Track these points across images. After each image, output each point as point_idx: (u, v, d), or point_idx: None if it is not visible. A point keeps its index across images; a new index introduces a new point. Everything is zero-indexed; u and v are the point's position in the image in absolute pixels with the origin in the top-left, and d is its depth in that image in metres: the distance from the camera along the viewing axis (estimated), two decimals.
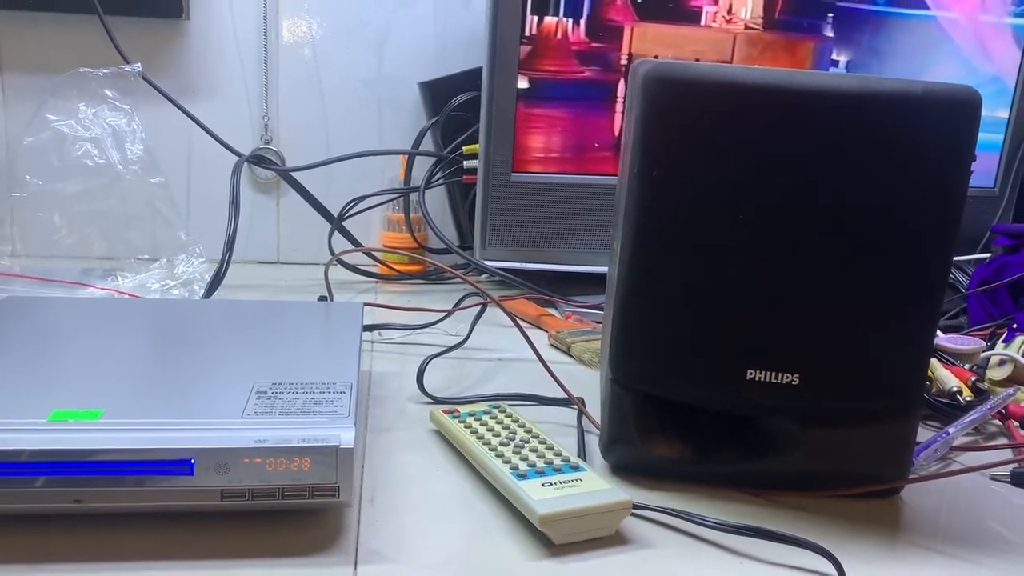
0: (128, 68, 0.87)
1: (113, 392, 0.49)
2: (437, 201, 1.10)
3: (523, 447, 0.54)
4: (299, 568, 0.44)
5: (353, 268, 1.02)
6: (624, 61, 0.90)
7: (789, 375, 0.52)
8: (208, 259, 0.91)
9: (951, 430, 0.61)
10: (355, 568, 0.44)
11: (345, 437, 0.46)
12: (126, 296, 0.81)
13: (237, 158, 0.99)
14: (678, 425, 0.55)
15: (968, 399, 0.68)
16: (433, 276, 1.07)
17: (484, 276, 1.06)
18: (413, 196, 1.06)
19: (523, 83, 0.89)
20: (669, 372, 0.53)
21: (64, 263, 0.87)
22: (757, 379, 0.52)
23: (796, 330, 0.51)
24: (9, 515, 0.46)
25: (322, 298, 0.89)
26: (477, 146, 0.94)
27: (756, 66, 0.51)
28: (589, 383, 0.73)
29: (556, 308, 0.93)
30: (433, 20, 1.06)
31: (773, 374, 0.52)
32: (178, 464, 0.44)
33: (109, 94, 0.85)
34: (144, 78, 0.89)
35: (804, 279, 0.50)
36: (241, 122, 1.05)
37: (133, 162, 0.84)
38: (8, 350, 0.55)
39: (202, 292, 0.85)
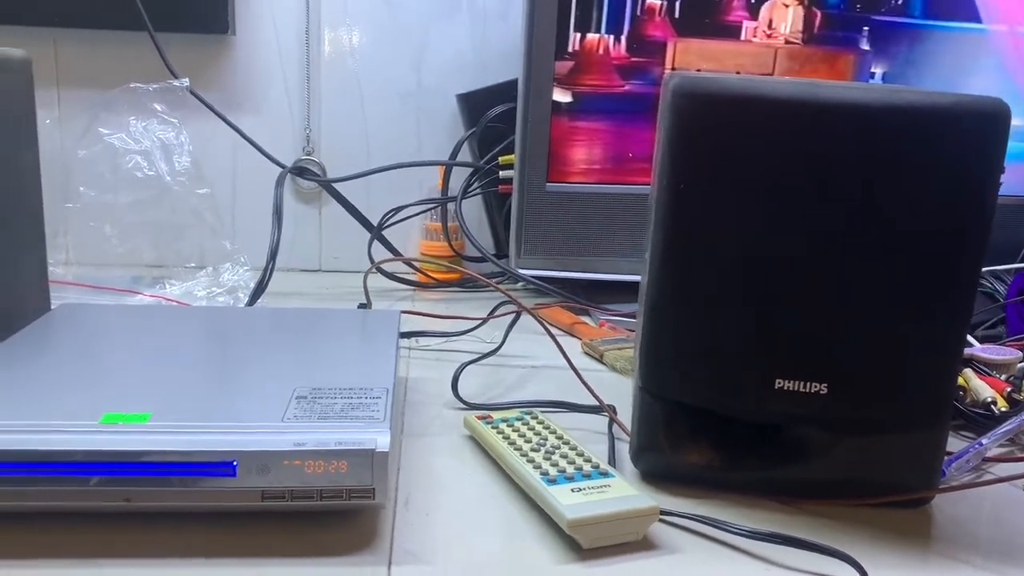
0: (176, 83, 0.90)
1: (161, 396, 0.52)
2: (474, 211, 1.11)
3: (554, 453, 0.55)
4: (335, 568, 0.46)
5: (392, 276, 1.05)
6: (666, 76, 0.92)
7: (817, 384, 0.52)
8: (252, 267, 0.93)
9: (984, 440, 0.61)
10: (389, 568, 0.46)
11: (381, 441, 0.48)
12: (174, 303, 0.84)
13: (280, 169, 1.02)
14: (707, 433, 0.56)
15: (1003, 410, 0.68)
16: (469, 284, 1.09)
17: (520, 284, 1.08)
18: (450, 206, 1.08)
19: (566, 97, 0.91)
20: (697, 381, 0.53)
21: (114, 271, 0.90)
22: (785, 388, 0.52)
23: (824, 339, 0.52)
24: (63, 512, 0.48)
25: (362, 305, 0.91)
26: (513, 156, 0.96)
27: (785, 77, 0.52)
28: (621, 391, 0.74)
29: (590, 316, 0.94)
30: (471, 33, 1.08)
31: (801, 383, 0.52)
32: (221, 466, 0.46)
33: (158, 108, 0.88)
34: (192, 92, 0.92)
35: (832, 288, 0.51)
36: (284, 134, 1.08)
37: (181, 174, 0.87)
38: (62, 355, 0.58)
39: (246, 299, 0.87)
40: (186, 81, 0.91)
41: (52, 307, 0.76)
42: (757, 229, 0.51)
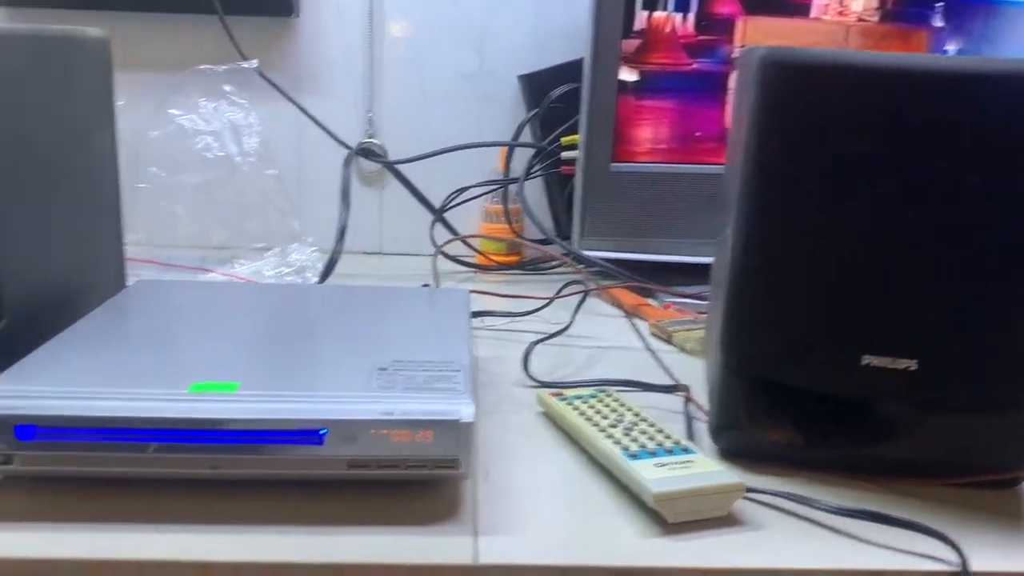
0: (245, 64, 0.91)
1: (246, 367, 0.52)
2: (533, 193, 1.11)
3: (632, 429, 0.55)
4: (423, 537, 0.46)
5: (453, 259, 1.05)
6: (736, 53, 0.90)
7: (907, 360, 0.51)
8: (318, 248, 0.94)
9: None
10: (475, 539, 0.46)
11: (465, 412, 0.48)
12: (245, 281, 0.85)
13: (341, 151, 1.03)
14: (789, 410, 0.55)
15: None
16: (529, 266, 1.08)
17: (580, 266, 1.07)
18: (512, 188, 1.08)
19: (632, 76, 0.90)
20: (782, 357, 0.53)
21: (184, 251, 0.92)
22: (873, 365, 0.51)
23: (915, 315, 0.50)
24: (153, 479, 0.49)
25: (424, 286, 0.91)
26: (576, 137, 0.95)
27: (869, 50, 0.51)
28: (691, 372, 0.73)
29: (654, 298, 0.93)
30: (533, 14, 1.07)
31: (890, 360, 0.51)
32: (309, 434, 0.47)
33: (227, 89, 0.89)
34: (260, 74, 0.93)
35: (923, 263, 0.50)
36: (346, 116, 1.08)
37: (250, 155, 0.88)
38: (145, 328, 0.59)
39: (314, 279, 0.88)
40: (255, 62, 0.92)
41: (128, 284, 0.78)
42: (847, 201, 0.50)
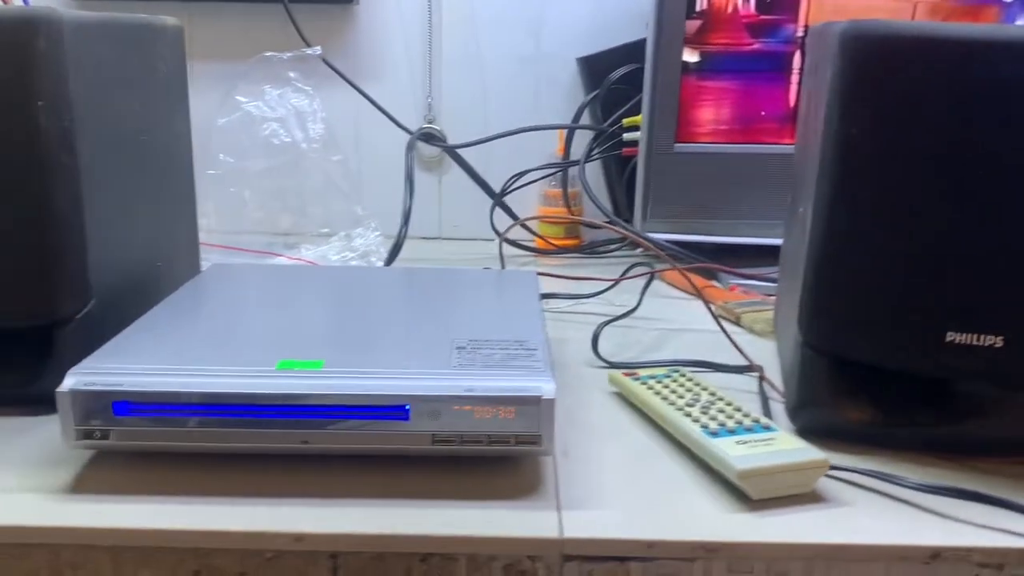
0: (309, 51, 0.92)
1: (329, 345, 0.53)
2: (593, 176, 1.11)
3: (710, 408, 0.55)
4: (508, 511, 0.46)
5: (513, 242, 1.05)
6: (800, 33, 0.89)
7: (992, 337, 0.50)
8: (381, 233, 0.95)
9: None
10: (559, 513, 0.46)
11: (546, 388, 0.48)
12: (313, 265, 0.86)
13: (400, 136, 1.04)
14: (869, 388, 0.55)
15: None
16: (588, 249, 1.08)
17: (638, 250, 1.07)
18: (571, 172, 1.08)
19: (693, 56, 0.89)
20: (864, 335, 0.52)
21: (250, 236, 0.94)
22: (957, 341, 0.51)
23: (1001, 292, 0.50)
24: (243, 454, 0.50)
25: (486, 269, 0.91)
26: (638, 118, 0.95)
27: (950, 22, 0.50)
28: (760, 352, 0.72)
29: (718, 279, 0.93)
30: None
31: (975, 336, 0.50)
32: (395, 409, 0.48)
33: (292, 76, 0.91)
34: (323, 60, 0.94)
35: (1010, 238, 0.49)
36: (406, 102, 1.09)
37: (315, 141, 0.89)
38: (225, 309, 0.60)
39: (378, 263, 0.89)
40: (319, 49, 0.93)
41: (202, 267, 0.80)
42: (932, 176, 0.49)
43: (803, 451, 0.49)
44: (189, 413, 0.47)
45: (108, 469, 0.50)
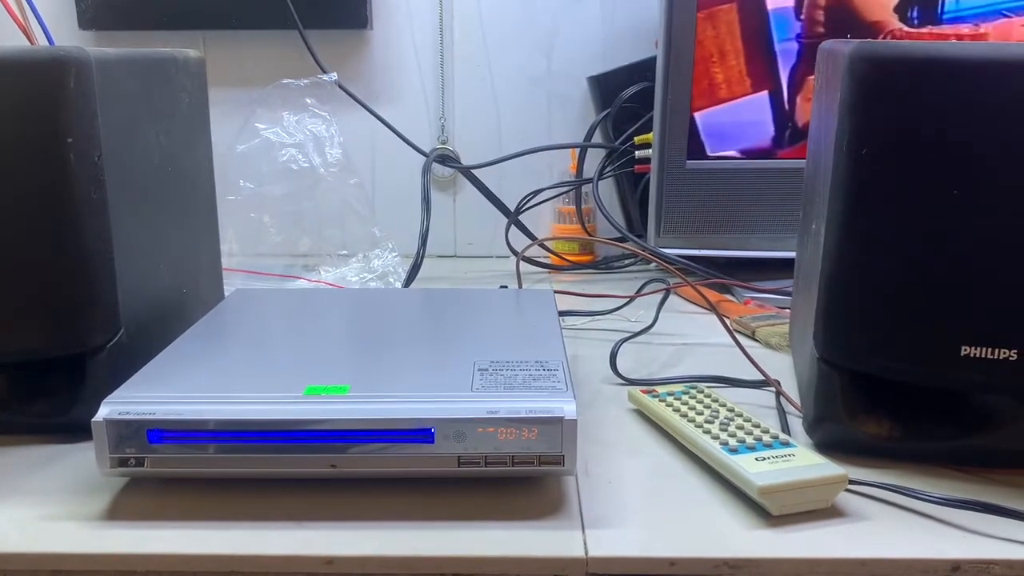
0: (325, 77, 0.94)
1: (352, 370, 0.54)
2: (605, 193, 1.12)
3: (729, 424, 0.55)
4: (531, 531, 0.47)
5: (529, 260, 1.06)
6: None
7: (1006, 351, 0.51)
8: (399, 253, 0.97)
9: None
10: (583, 532, 0.47)
11: (568, 409, 0.49)
12: (334, 288, 0.87)
13: (415, 157, 1.05)
14: (886, 402, 0.55)
15: None
16: (602, 265, 1.10)
17: (652, 265, 1.08)
18: (584, 189, 1.09)
19: None
20: (879, 350, 0.53)
21: (270, 260, 0.95)
22: (972, 355, 0.51)
23: (1015, 304, 0.50)
24: (276, 479, 0.51)
25: (503, 287, 0.93)
26: (650, 136, 0.96)
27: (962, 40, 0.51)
28: (776, 367, 0.73)
29: (733, 294, 0.94)
30: (600, 15, 1.08)
31: (989, 350, 0.51)
32: (421, 433, 0.49)
33: (309, 102, 0.92)
34: (340, 86, 0.96)
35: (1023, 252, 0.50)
36: (420, 124, 1.11)
37: (332, 165, 0.91)
38: (251, 335, 0.62)
39: (396, 284, 0.91)
40: (334, 75, 0.95)
41: (225, 292, 0.81)
42: (945, 192, 0.50)
43: (822, 467, 0.49)
44: (221, 440, 0.49)
45: (142, 496, 0.51)
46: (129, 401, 0.50)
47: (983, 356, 0.51)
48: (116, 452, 0.49)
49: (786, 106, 0.92)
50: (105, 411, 0.49)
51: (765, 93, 0.91)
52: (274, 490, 0.51)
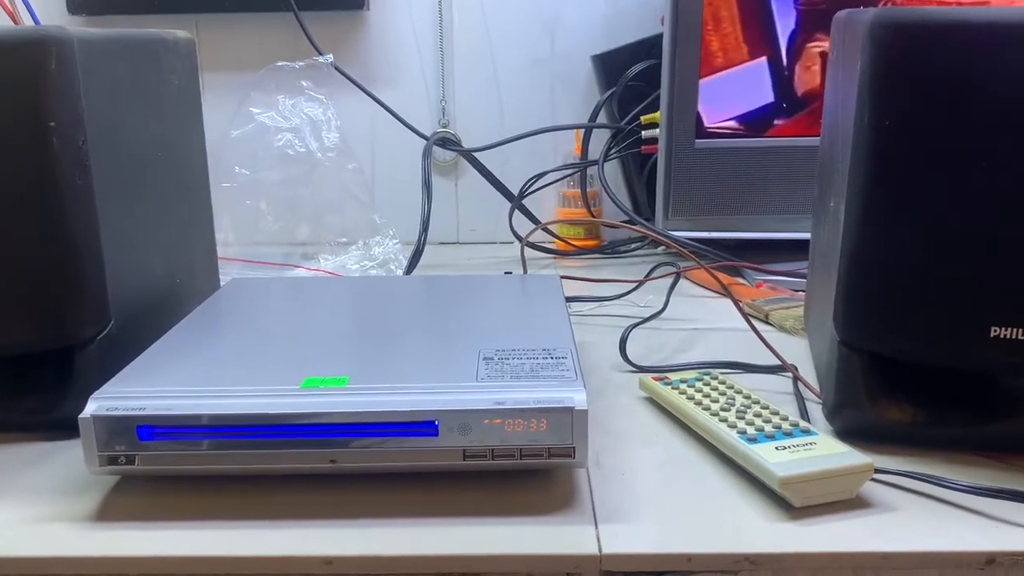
0: (321, 59, 0.91)
1: (353, 360, 0.52)
2: (611, 176, 1.09)
3: (746, 412, 0.53)
4: (543, 527, 0.45)
5: (533, 245, 1.04)
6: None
7: None
8: (400, 240, 0.94)
9: None
10: (596, 527, 0.45)
11: (578, 399, 0.47)
12: (333, 276, 0.85)
13: (414, 141, 1.02)
14: (909, 387, 0.53)
15: None
16: (608, 249, 1.07)
17: (660, 248, 1.05)
18: (588, 171, 1.06)
19: None
20: (904, 332, 0.50)
21: (268, 248, 0.93)
22: (1002, 336, 0.49)
23: None
24: (272, 475, 0.49)
25: (507, 273, 0.90)
26: (656, 115, 0.93)
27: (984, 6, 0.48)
28: (791, 351, 0.71)
29: (744, 277, 0.91)
30: None
31: (1021, 331, 0.49)
32: (424, 425, 0.46)
33: (305, 85, 0.90)
34: (336, 68, 0.93)
35: None
36: (420, 107, 1.08)
37: (330, 149, 0.88)
38: (247, 326, 0.59)
39: (398, 271, 0.88)
40: (330, 57, 0.92)
41: (220, 282, 0.79)
42: (972, 165, 0.47)
43: (846, 455, 0.47)
44: (215, 436, 0.46)
45: (132, 495, 0.49)
46: (118, 396, 0.47)
47: (1014, 337, 0.49)
48: (105, 450, 0.46)
49: (785, 72, 0.89)
50: (93, 407, 0.46)
51: (764, 59, 0.88)
52: (271, 488, 0.49)
